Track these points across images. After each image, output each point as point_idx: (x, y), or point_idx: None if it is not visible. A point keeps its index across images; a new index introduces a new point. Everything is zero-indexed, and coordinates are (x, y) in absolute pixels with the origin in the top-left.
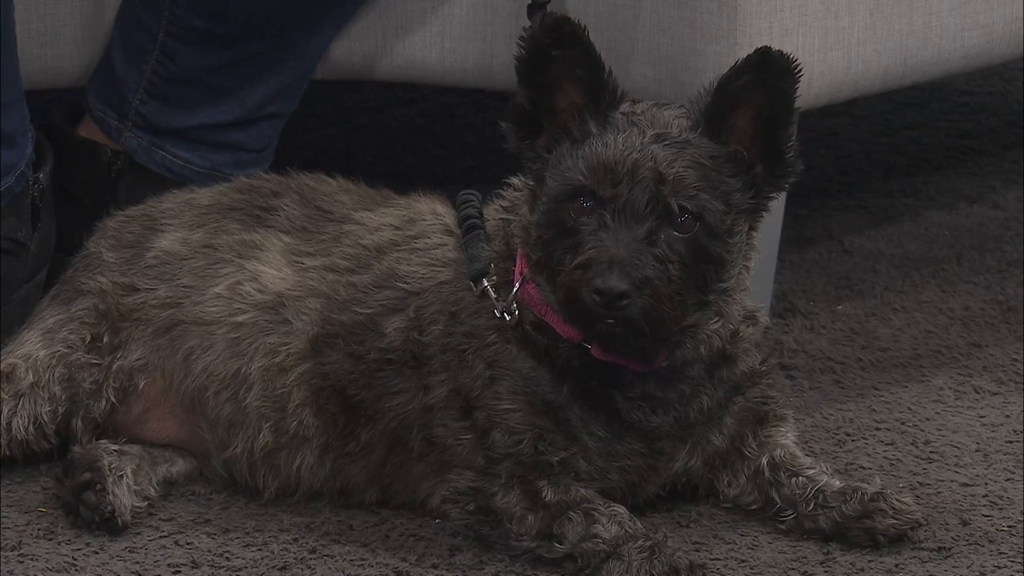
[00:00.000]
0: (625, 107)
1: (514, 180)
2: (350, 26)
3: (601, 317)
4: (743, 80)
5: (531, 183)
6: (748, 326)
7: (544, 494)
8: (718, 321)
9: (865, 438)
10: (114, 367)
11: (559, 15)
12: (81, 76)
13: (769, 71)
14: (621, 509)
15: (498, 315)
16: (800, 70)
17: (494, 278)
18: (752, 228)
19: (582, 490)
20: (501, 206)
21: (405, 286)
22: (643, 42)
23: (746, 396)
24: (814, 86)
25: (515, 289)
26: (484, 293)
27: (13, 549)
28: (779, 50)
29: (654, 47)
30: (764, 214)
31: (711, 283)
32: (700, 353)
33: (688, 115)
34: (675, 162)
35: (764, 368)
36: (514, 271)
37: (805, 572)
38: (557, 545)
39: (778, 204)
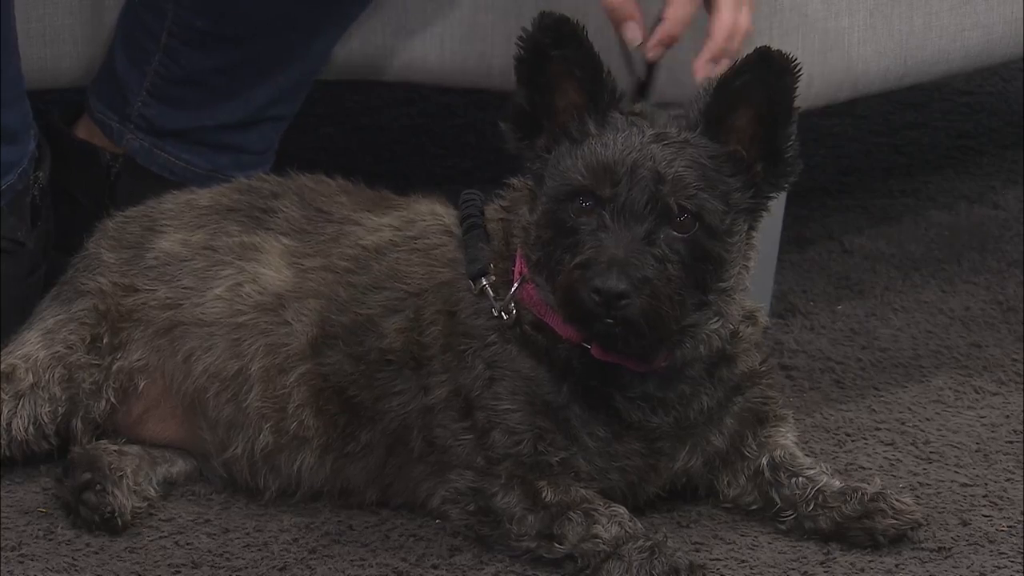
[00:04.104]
0: (624, 107)
1: (514, 180)
2: (351, 27)
3: (600, 317)
4: (743, 80)
5: (530, 183)
6: (748, 326)
7: (544, 494)
8: (718, 321)
9: (865, 438)
10: (114, 368)
11: (558, 15)
12: (81, 76)
13: (769, 70)
14: (621, 509)
15: (496, 315)
16: (800, 69)
17: (493, 278)
18: (752, 228)
19: (582, 490)
20: (501, 206)
21: (405, 287)
22: None
23: (746, 396)
24: (814, 86)
25: (514, 289)
26: (483, 292)
27: (13, 549)
28: (778, 50)
29: None
30: (764, 214)
31: (711, 283)
32: (700, 353)
33: (687, 115)
34: (674, 162)
35: (764, 368)
36: (513, 271)
37: (805, 572)
38: (557, 545)
39: (778, 204)
